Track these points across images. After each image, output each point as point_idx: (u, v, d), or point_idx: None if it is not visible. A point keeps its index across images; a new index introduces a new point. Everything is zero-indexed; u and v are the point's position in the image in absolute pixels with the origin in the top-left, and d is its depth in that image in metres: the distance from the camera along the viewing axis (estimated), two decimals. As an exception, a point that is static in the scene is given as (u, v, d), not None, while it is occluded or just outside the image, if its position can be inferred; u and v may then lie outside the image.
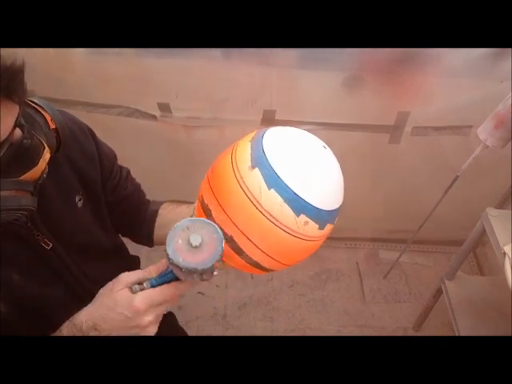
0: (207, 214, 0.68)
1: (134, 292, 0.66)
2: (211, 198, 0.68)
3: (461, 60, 1.44)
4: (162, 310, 0.68)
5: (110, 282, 0.69)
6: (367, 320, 2.00)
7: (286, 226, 0.63)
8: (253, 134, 0.69)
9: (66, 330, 0.69)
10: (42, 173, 0.68)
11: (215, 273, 0.65)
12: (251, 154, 0.65)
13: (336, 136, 1.65)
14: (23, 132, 0.63)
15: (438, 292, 1.69)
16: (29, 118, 0.67)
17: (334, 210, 0.66)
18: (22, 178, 0.65)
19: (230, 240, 0.66)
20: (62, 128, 0.73)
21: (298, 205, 0.62)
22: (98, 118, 1.68)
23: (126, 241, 1.06)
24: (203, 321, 1.97)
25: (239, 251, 0.67)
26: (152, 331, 0.68)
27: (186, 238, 0.62)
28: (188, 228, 0.63)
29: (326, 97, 1.56)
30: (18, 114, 0.61)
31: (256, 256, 0.67)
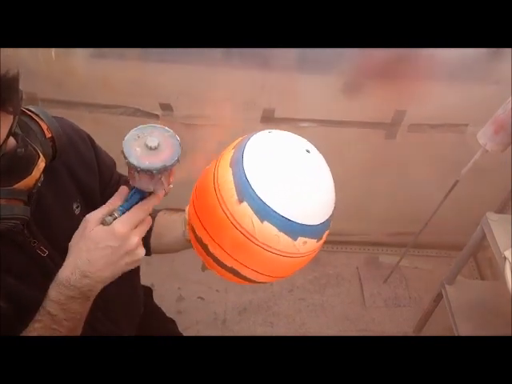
0: (204, 248, 0.67)
1: (109, 223, 0.66)
2: (203, 232, 0.66)
3: (457, 60, 1.45)
4: (144, 229, 0.69)
5: (77, 230, 0.69)
6: (367, 324, 1.99)
7: (285, 252, 0.62)
8: (230, 155, 0.65)
9: (53, 292, 0.68)
10: (37, 181, 0.68)
11: (171, 185, 0.67)
12: (235, 185, 0.61)
13: (335, 135, 1.67)
14: (17, 141, 0.63)
15: (439, 296, 1.69)
16: (24, 127, 0.67)
17: (329, 218, 0.64)
18: (16, 186, 0.64)
19: (232, 270, 0.66)
20: (59, 136, 0.73)
21: (294, 230, 0.60)
22: (100, 117, 1.69)
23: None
24: (203, 326, 1.96)
25: (244, 278, 0.67)
26: (141, 253, 0.69)
27: (143, 144, 0.63)
28: (139, 136, 0.64)
29: (324, 96, 1.57)
30: (12, 124, 0.60)
31: (259, 278, 0.67)
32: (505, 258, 1.22)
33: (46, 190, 0.75)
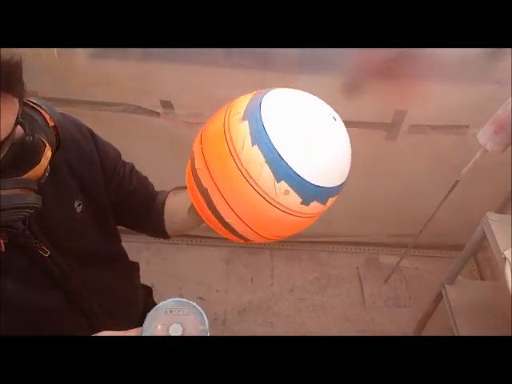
0: (192, 159, 0.65)
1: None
2: (198, 145, 0.64)
3: (457, 60, 1.45)
4: None
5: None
6: (367, 325, 1.99)
7: (262, 190, 0.57)
8: (245, 103, 0.63)
9: None
10: (45, 171, 0.68)
11: None
12: (246, 106, 0.59)
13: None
14: (24, 130, 0.63)
15: (439, 297, 1.69)
16: (28, 117, 0.67)
17: (326, 187, 0.60)
18: (26, 176, 0.65)
19: (204, 193, 0.62)
20: (61, 126, 0.73)
21: (281, 169, 0.56)
22: (101, 115, 1.69)
23: (126, 246, 1.06)
24: (203, 326, 1.96)
25: (212, 208, 0.62)
26: None
27: (166, 326, 0.56)
28: (171, 312, 0.57)
29: (324, 95, 1.57)
30: (19, 112, 0.61)
31: (228, 217, 0.61)
32: (505, 258, 1.22)
33: (47, 188, 0.75)
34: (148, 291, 1.25)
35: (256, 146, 0.57)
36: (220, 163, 0.60)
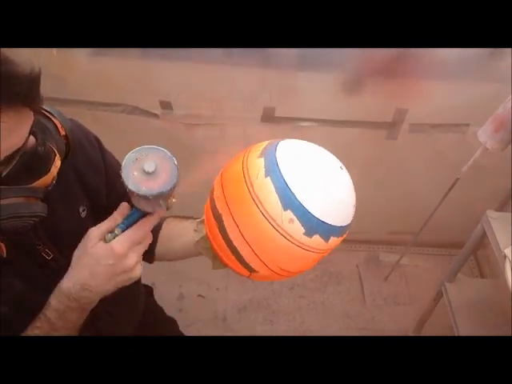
0: (211, 191, 0.71)
1: (108, 241, 0.67)
2: (218, 178, 0.71)
3: (458, 59, 1.45)
4: (143, 247, 0.70)
5: (81, 243, 0.70)
6: (367, 323, 2.00)
7: (270, 216, 0.63)
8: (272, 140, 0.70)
9: (54, 300, 0.70)
10: (53, 179, 0.68)
11: (174, 200, 0.69)
12: (262, 149, 0.67)
13: (335, 134, 1.67)
14: (37, 139, 0.63)
15: (439, 294, 1.69)
16: (40, 125, 0.67)
17: (328, 223, 0.65)
18: (34, 184, 0.65)
19: (218, 218, 0.67)
20: (71, 134, 0.73)
21: (287, 199, 0.62)
22: (99, 115, 1.69)
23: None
24: (203, 324, 1.97)
25: (223, 231, 0.67)
26: (138, 272, 0.70)
27: (140, 168, 0.63)
28: (137, 159, 0.64)
29: (325, 94, 1.57)
30: (33, 122, 0.61)
31: (236, 239, 0.67)
32: (505, 256, 1.22)
33: (53, 192, 0.75)
34: (149, 290, 1.25)
35: (268, 178, 0.63)
36: (235, 190, 0.67)
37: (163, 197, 0.64)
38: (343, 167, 0.69)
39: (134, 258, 0.68)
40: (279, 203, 0.62)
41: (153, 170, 0.63)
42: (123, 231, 0.68)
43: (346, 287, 2.12)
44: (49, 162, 0.66)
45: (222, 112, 1.66)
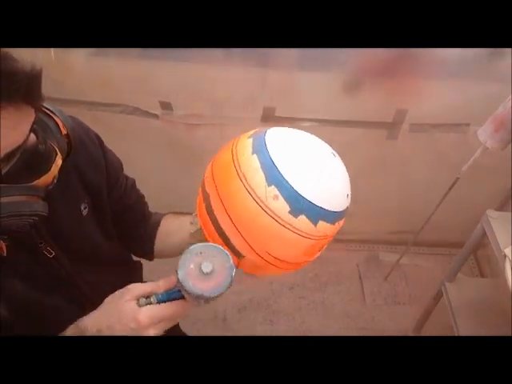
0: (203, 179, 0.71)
1: (140, 305, 0.67)
2: (209, 165, 0.71)
3: (458, 58, 1.45)
4: (166, 326, 0.69)
5: (119, 291, 0.70)
6: (367, 322, 2.00)
7: (252, 190, 0.62)
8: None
9: (70, 332, 0.70)
10: (54, 178, 0.68)
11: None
12: (253, 132, 0.68)
13: (336, 133, 1.66)
14: (37, 137, 0.63)
15: (439, 294, 1.69)
16: (42, 124, 0.67)
17: (316, 205, 0.63)
18: (35, 183, 0.65)
19: (206, 199, 0.68)
20: (73, 133, 0.73)
21: (273, 175, 0.62)
22: (99, 115, 1.69)
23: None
24: (203, 324, 1.97)
25: (210, 212, 0.68)
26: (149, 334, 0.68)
27: (198, 264, 0.63)
28: (201, 253, 0.64)
29: (325, 94, 1.57)
30: (34, 120, 0.61)
31: (223, 222, 0.66)
32: (505, 256, 1.22)
33: (54, 190, 0.75)
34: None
35: (255, 155, 0.64)
36: (223, 170, 0.67)
37: (204, 299, 0.63)
38: (336, 155, 0.68)
39: (152, 331, 0.67)
40: (264, 179, 0.62)
41: (208, 271, 0.62)
42: (158, 303, 0.67)
43: (346, 287, 2.12)
44: (50, 161, 0.66)
45: (222, 112, 1.66)
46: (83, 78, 1.57)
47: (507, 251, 1.22)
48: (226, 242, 0.68)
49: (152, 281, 0.72)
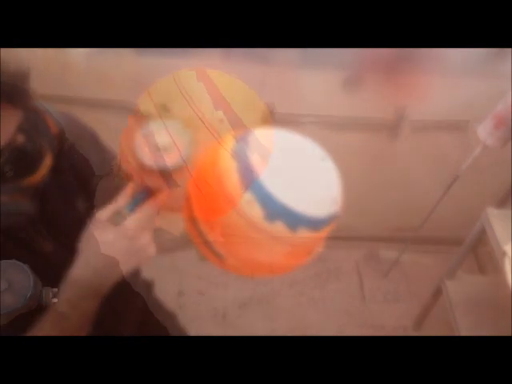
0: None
1: (117, 223, 0.66)
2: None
3: (458, 58, 1.45)
4: (153, 226, 0.68)
5: (88, 229, 0.68)
6: (367, 319, 2.00)
7: (228, 193, 0.59)
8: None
9: (64, 291, 0.69)
10: (43, 178, 0.68)
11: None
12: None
13: (336, 131, 1.66)
14: (26, 137, 0.63)
15: (438, 291, 1.70)
16: (31, 123, 0.67)
17: (294, 210, 0.59)
18: (23, 183, 0.64)
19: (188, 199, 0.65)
20: (64, 133, 0.73)
21: (248, 175, 0.59)
22: (98, 113, 1.68)
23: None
24: (203, 321, 1.97)
25: (190, 212, 0.65)
26: (152, 250, 0.69)
27: (153, 142, 0.63)
28: (149, 133, 0.65)
29: (325, 92, 1.57)
30: (21, 120, 0.60)
31: (200, 216, 0.64)
32: (504, 253, 1.23)
33: (50, 185, 0.75)
34: (148, 286, 1.25)
35: (234, 157, 0.60)
36: (206, 168, 0.63)
37: (175, 172, 0.64)
38: (327, 160, 0.64)
39: (146, 236, 0.66)
40: (239, 182, 0.59)
41: (166, 144, 0.63)
42: (131, 211, 0.66)
43: (346, 284, 2.12)
44: (38, 160, 0.66)
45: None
46: (82, 76, 1.57)
47: (507, 248, 1.23)
48: (205, 241, 0.66)
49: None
